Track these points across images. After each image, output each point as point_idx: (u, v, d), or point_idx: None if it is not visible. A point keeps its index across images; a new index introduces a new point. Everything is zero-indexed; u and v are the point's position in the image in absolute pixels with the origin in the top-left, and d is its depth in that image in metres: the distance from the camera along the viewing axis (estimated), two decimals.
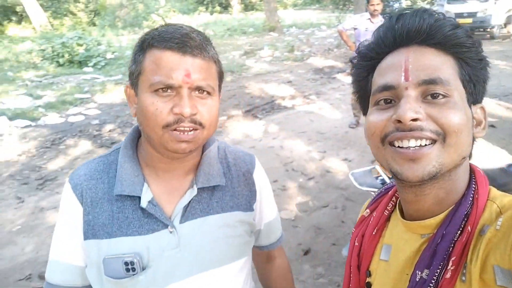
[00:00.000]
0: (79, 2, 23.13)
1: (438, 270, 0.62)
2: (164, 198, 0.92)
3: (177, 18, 20.83)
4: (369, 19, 5.32)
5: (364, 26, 5.33)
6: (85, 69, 10.83)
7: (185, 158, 0.92)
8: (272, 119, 6.41)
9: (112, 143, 5.59)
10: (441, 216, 0.67)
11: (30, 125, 6.37)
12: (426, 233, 0.69)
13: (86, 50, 11.42)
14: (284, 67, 10.38)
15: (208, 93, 0.85)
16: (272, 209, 1.14)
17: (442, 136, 0.61)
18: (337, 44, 12.56)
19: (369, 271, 0.80)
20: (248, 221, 1.02)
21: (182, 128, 0.81)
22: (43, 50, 11.62)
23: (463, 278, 0.60)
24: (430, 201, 0.68)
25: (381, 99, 0.68)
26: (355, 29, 5.50)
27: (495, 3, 12.52)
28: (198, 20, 21.84)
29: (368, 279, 0.80)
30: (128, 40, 15.58)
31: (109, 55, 11.99)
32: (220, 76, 0.92)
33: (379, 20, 5.31)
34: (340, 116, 6.42)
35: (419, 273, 0.65)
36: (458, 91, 0.63)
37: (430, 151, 0.61)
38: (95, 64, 11.09)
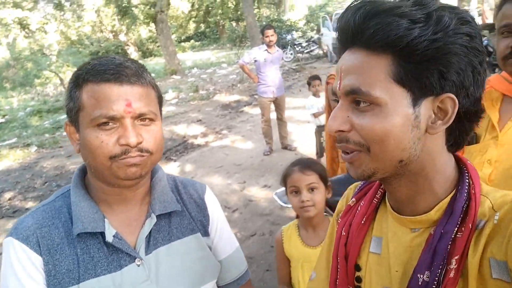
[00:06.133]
0: None
1: (439, 271, 0.60)
2: (125, 231, 0.89)
3: (71, 73, 19.95)
4: (266, 50, 5.62)
5: (263, 57, 5.62)
6: None
7: (136, 186, 0.90)
8: (187, 159, 6.34)
9: (14, 212, 5.03)
10: (432, 213, 0.64)
11: None
12: (416, 228, 0.67)
13: None
14: (191, 107, 10.41)
15: (151, 119, 0.85)
16: (230, 241, 1.10)
17: (366, 147, 0.61)
18: (240, 79, 12.98)
19: (358, 265, 0.75)
20: (209, 245, 1.01)
21: (130, 158, 0.81)
22: None
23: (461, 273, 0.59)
24: (405, 195, 0.67)
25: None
26: (255, 61, 5.76)
27: None
28: None
29: (357, 274, 0.75)
30: (19, 101, 14.44)
31: None
32: (160, 100, 0.92)
33: (276, 50, 5.67)
34: (253, 146, 6.57)
35: (421, 276, 0.62)
36: (390, 95, 0.58)
37: (357, 158, 0.64)
38: None
